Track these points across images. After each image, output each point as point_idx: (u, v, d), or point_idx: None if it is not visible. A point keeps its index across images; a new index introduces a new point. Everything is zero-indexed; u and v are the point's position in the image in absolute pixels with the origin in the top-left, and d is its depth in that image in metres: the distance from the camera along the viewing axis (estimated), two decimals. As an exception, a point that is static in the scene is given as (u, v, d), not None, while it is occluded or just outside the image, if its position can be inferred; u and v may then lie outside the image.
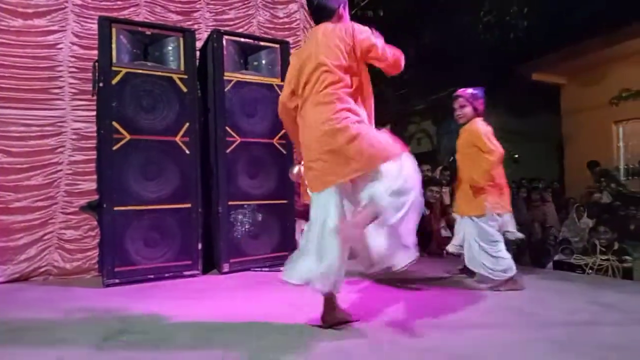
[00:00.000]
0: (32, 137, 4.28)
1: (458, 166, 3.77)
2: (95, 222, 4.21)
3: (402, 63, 2.50)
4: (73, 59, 4.47)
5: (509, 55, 9.55)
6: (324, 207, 2.35)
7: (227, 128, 4.37)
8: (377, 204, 2.22)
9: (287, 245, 4.66)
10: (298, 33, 5.79)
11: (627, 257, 5.17)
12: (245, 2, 5.48)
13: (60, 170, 4.37)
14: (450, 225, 5.01)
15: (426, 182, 4.42)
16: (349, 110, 2.37)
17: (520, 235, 3.71)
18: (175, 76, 4.18)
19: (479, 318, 2.52)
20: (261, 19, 5.57)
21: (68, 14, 4.50)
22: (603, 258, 5.26)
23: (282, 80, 4.67)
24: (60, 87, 4.41)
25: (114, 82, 3.92)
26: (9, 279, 4.06)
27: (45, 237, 4.26)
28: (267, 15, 5.63)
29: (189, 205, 4.17)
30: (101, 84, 3.91)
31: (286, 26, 5.74)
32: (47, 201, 4.29)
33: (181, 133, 4.17)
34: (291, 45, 5.10)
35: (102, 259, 3.93)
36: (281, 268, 4.35)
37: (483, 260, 3.36)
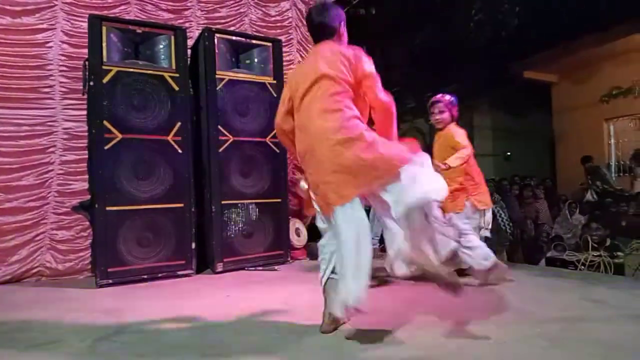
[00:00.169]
0: (22, 136, 4.24)
1: (436, 170, 3.82)
2: (88, 223, 4.18)
3: (392, 110, 2.43)
4: (63, 58, 4.43)
5: (500, 54, 9.58)
6: (353, 221, 2.21)
7: (219, 127, 4.35)
8: (422, 207, 2.18)
9: (280, 243, 4.67)
10: (290, 31, 5.78)
11: (618, 253, 5.22)
12: (237, 0, 5.46)
13: (52, 170, 4.33)
14: None
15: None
16: (359, 118, 2.29)
17: (488, 234, 3.76)
18: (166, 75, 4.16)
19: (472, 315, 2.52)
20: (253, 17, 5.56)
21: (57, 12, 4.46)
22: (595, 254, 5.30)
23: (275, 78, 4.69)
24: (50, 86, 4.37)
25: (104, 80, 3.89)
26: (0, 281, 4.02)
27: (37, 238, 4.23)
28: (259, 13, 5.62)
29: (182, 205, 4.15)
30: (92, 83, 3.88)
31: (278, 24, 5.73)
32: (38, 201, 4.25)
33: (173, 132, 4.15)
34: (283, 44, 5.09)
35: (95, 260, 3.91)
36: (275, 267, 4.42)
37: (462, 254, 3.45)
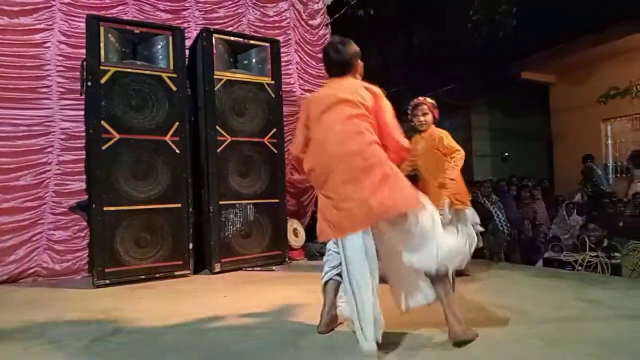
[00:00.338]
0: (19, 136, 4.23)
1: (420, 171, 3.84)
2: (85, 223, 4.18)
3: (406, 155, 2.43)
4: (61, 58, 4.43)
5: (498, 54, 9.61)
6: (359, 250, 2.14)
7: (217, 127, 4.35)
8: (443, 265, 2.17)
9: (278, 244, 4.67)
10: (288, 32, 5.78)
11: (615, 254, 5.22)
12: (235, 1, 5.46)
13: (49, 170, 4.32)
14: None
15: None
16: (378, 143, 2.23)
17: (480, 228, 3.81)
18: (164, 75, 4.16)
19: (469, 315, 2.53)
20: (251, 17, 5.56)
21: (55, 12, 4.45)
22: (592, 255, 5.31)
23: (273, 78, 4.69)
24: (48, 86, 4.37)
25: (102, 81, 3.89)
26: (-3, 281, 4.02)
27: (34, 238, 4.22)
28: (257, 13, 5.62)
29: (179, 205, 4.15)
30: (89, 83, 3.88)
31: (276, 25, 5.73)
32: (35, 202, 4.25)
33: (171, 132, 4.15)
34: (281, 44, 5.10)
35: (92, 260, 3.90)
36: (273, 267, 4.42)
37: None
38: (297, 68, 5.80)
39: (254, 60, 4.74)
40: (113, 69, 3.94)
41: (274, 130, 4.68)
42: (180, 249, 4.14)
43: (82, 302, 3.33)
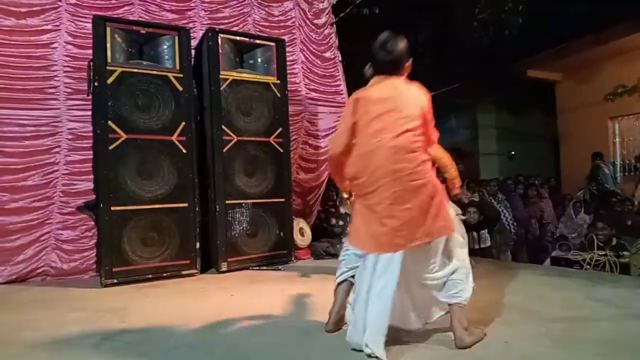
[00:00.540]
0: (27, 137, 4.25)
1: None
2: (93, 222, 4.20)
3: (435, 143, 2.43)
4: (68, 59, 4.45)
5: (504, 53, 9.57)
6: (386, 270, 2.12)
7: (223, 127, 4.36)
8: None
9: (284, 243, 4.67)
10: (293, 31, 5.78)
11: (624, 253, 5.18)
12: (240, 1, 5.46)
13: (57, 170, 4.34)
14: None
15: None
16: (429, 161, 2.22)
17: (462, 217, 3.83)
18: (170, 75, 4.17)
19: (477, 314, 2.52)
20: (256, 17, 5.56)
21: (62, 13, 4.47)
22: (600, 253, 5.27)
23: (278, 78, 4.69)
24: (55, 87, 4.39)
25: (109, 81, 3.90)
26: (6, 280, 4.05)
27: (42, 238, 4.24)
28: (262, 13, 5.62)
29: (186, 205, 4.17)
30: (96, 84, 3.89)
31: (281, 24, 5.73)
32: (43, 201, 4.27)
33: (177, 132, 4.16)
34: (287, 44, 5.10)
35: (100, 259, 3.92)
36: (279, 266, 4.42)
37: None
38: (302, 67, 5.79)
39: (259, 60, 4.74)
40: (120, 69, 3.95)
41: (280, 129, 4.68)
42: (187, 248, 4.15)
43: (90, 302, 3.35)
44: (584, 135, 9.96)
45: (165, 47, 4.25)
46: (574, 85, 10.46)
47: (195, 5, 5.21)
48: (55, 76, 4.40)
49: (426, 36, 11.37)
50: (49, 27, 4.42)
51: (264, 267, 4.42)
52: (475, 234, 5.25)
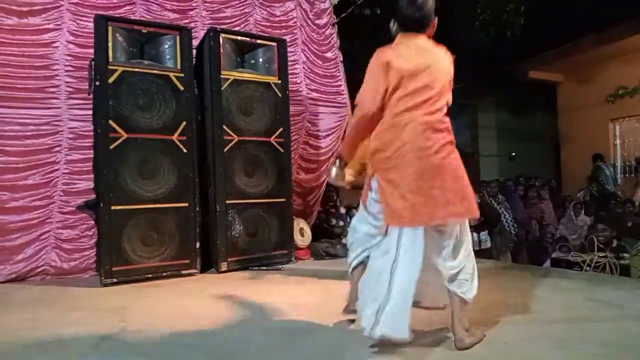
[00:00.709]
0: (28, 136, 4.25)
1: None
2: (93, 222, 4.20)
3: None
4: (69, 58, 4.45)
5: (505, 53, 9.56)
6: (411, 246, 2.10)
7: (224, 127, 4.36)
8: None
9: (285, 243, 4.67)
10: (295, 31, 5.78)
11: (624, 254, 5.18)
12: (242, 1, 5.46)
13: (57, 169, 4.34)
14: None
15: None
16: (453, 142, 2.20)
17: None
18: (171, 74, 4.17)
19: (477, 315, 2.52)
20: (258, 17, 5.56)
21: (64, 12, 4.47)
22: (601, 255, 5.27)
23: (279, 78, 4.69)
24: (56, 86, 4.39)
25: (110, 80, 3.90)
26: (6, 279, 4.04)
27: (42, 237, 4.24)
28: (263, 13, 5.62)
29: (186, 204, 4.16)
30: (97, 83, 3.89)
31: (283, 24, 5.73)
32: (44, 200, 4.27)
33: (178, 132, 4.16)
34: (288, 44, 5.10)
35: (100, 259, 3.92)
36: (279, 266, 4.42)
37: None
38: (303, 67, 5.79)
39: (260, 60, 4.74)
40: (121, 69, 3.95)
41: (281, 129, 4.68)
42: (187, 248, 4.16)
43: (90, 301, 3.35)
44: (584, 136, 9.97)
45: (166, 46, 4.25)
46: (575, 86, 10.47)
47: (196, 5, 5.21)
48: (57, 75, 4.40)
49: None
50: (51, 26, 4.42)
51: (264, 267, 4.42)
52: (475, 235, 5.25)
